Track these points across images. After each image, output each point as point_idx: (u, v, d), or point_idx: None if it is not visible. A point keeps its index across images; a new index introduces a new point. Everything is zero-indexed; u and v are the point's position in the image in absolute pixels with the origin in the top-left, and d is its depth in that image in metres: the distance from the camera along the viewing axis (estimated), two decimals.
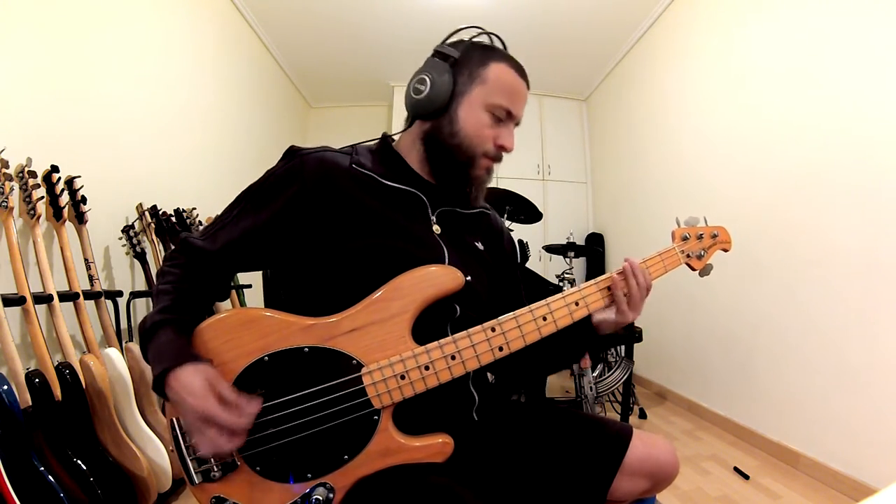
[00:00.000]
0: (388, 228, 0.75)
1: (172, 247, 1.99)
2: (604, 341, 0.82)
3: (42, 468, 1.17)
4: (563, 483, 0.74)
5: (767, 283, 2.04)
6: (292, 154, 0.77)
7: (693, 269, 0.88)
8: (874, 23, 1.56)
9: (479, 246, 0.87)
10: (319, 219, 0.73)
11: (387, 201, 0.78)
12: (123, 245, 1.84)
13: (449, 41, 0.83)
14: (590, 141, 4.21)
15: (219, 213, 0.79)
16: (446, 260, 0.77)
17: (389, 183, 0.79)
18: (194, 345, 0.66)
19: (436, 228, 0.81)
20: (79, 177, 1.55)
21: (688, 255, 0.87)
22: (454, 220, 0.85)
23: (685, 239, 0.88)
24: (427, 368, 0.67)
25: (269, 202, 0.74)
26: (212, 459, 0.65)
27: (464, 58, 0.79)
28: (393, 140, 0.87)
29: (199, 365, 0.62)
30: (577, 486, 0.74)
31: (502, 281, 0.91)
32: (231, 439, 0.60)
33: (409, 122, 0.84)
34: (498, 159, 0.81)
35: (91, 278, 1.57)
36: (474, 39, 0.84)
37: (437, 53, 0.80)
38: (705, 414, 2.46)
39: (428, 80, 0.78)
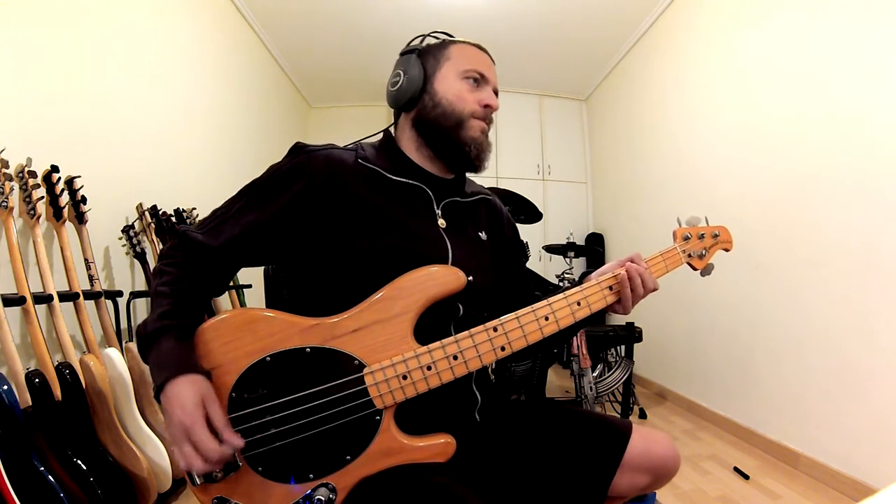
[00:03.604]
0: (393, 226, 0.75)
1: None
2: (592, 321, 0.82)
3: (42, 468, 1.16)
4: (564, 480, 0.74)
5: (767, 282, 2.04)
6: (298, 150, 0.77)
7: (694, 269, 0.88)
8: (874, 23, 1.57)
9: (483, 236, 0.88)
10: (326, 216, 0.73)
11: (392, 197, 0.78)
12: (123, 245, 1.84)
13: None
14: (590, 141, 4.21)
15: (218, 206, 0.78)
16: (450, 257, 0.77)
17: (395, 178, 0.79)
18: (196, 345, 0.65)
19: (441, 222, 0.81)
20: (79, 177, 1.55)
21: (689, 255, 0.87)
22: (458, 210, 0.85)
23: (686, 239, 0.88)
24: (429, 368, 0.67)
25: (274, 197, 0.74)
26: None
27: (426, 48, 0.85)
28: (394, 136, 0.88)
29: (198, 379, 0.61)
30: (579, 482, 0.74)
31: (505, 267, 0.92)
32: (204, 464, 0.59)
33: (396, 117, 0.87)
34: (487, 119, 0.83)
35: (91, 278, 1.57)
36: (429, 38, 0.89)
37: (402, 53, 0.87)
38: (705, 414, 2.46)
39: (401, 72, 0.84)
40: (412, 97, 0.82)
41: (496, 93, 0.85)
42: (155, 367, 0.63)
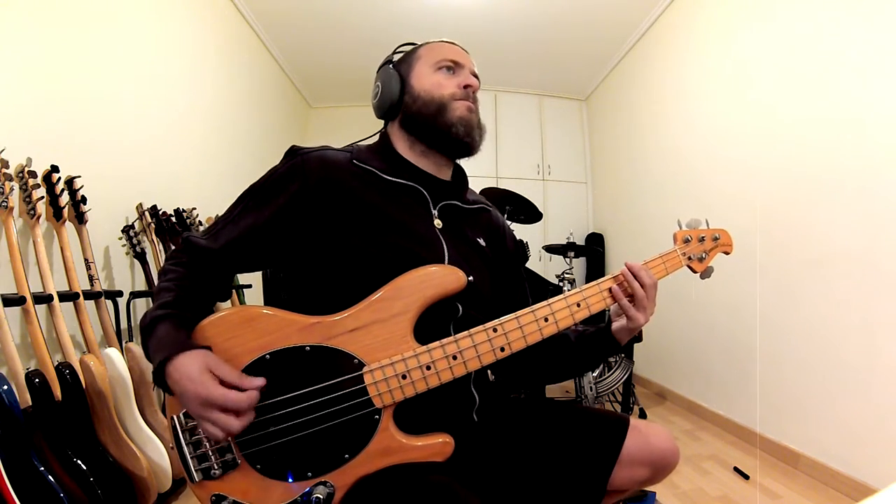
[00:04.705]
0: (389, 225, 0.76)
1: (172, 247, 1.99)
2: (623, 350, 0.84)
3: (42, 468, 1.17)
4: (563, 476, 0.75)
5: (767, 283, 2.04)
6: (293, 153, 0.78)
7: (694, 272, 0.88)
8: (873, 23, 1.57)
9: (482, 242, 0.88)
10: (321, 216, 0.74)
11: (388, 197, 0.78)
12: (123, 245, 1.84)
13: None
14: (590, 141, 4.21)
15: (220, 213, 0.79)
16: (446, 257, 0.78)
17: (390, 178, 0.80)
18: (194, 340, 0.66)
19: (437, 223, 0.81)
20: (79, 177, 1.55)
21: (689, 258, 0.87)
22: (456, 214, 0.85)
23: (686, 241, 0.88)
24: (428, 368, 0.67)
25: (271, 200, 0.75)
26: (213, 457, 0.65)
27: (400, 57, 0.89)
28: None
29: (197, 351, 0.62)
30: (578, 477, 0.74)
31: (505, 278, 0.91)
32: (238, 418, 0.59)
33: (385, 126, 0.90)
34: (469, 99, 0.84)
35: (91, 278, 1.57)
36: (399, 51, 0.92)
37: (378, 69, 0.90)
38: (705, 414, 2.46)
39: (379, 84, 0.88)
40: (393, 103, 0.84)
41: (476, 76, 0.86)
42: (153, 351, 0.64)
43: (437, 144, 0.83)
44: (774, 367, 2.00)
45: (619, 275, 0.79)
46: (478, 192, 0.99)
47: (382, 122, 0.91)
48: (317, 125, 4.41)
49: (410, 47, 0.89)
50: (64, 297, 1.42)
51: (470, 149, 0.84)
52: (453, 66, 0.84)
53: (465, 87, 0.83)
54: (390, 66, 0.87)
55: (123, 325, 1.79)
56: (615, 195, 3.73)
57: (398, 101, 0.84)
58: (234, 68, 2.87)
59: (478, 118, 0.85)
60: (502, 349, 0.70)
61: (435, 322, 0.72)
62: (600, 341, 0.83)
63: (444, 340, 0.68)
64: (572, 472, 0.74)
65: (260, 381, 0.62)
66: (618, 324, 0.81)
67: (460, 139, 0.81)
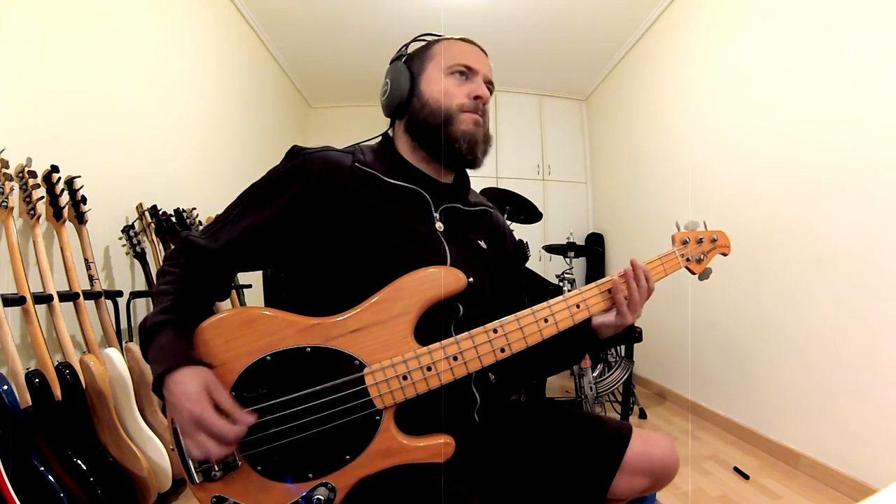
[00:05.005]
0: (390, 227, 0.75)
1: (172, 247, 1.99)
2: (604, 344, 0.84)
3: (42, 468, 1.17)
4: (563, 482, 0.75)
5: (767, 283, 2.04)
6: (295, 153, 0.77)
7: (693, 273, 0.89)
8: (873, 23, 1.57)
9: (482, 244, 0.88)
10: (322, 217, 0.73)
11: (390, 199, 0.78)
12: (123, 245, 1.84)
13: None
14: (590, 141, 4.21)
15: (220, 212, 0.79)
16: (448, 259, 0.77)
17: (392, 181, 0.80)
18: (195, 344, 0.66)
19: (438, 226, 0.81)
20: (79, 177, 1.55)
21: (687, 259, 0.87)
22: (457, 216, 0.85)
23: (685, 243, 0.88)
24: (429, 369, 0.67)
25: (271, 200, 0.74)
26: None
27: (413, 52, 0.86)
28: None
29: (199, 369, 0.62)
30: (578, 484, 0.74)
31: (505, 279, 0.91)
32: (221, 447, 0.59)
33: (391, 124, 0.88)
34: (478, 111, 0.81)
35: (91, 278, 1.57)
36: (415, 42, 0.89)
37: (390, 62, 0.87)
38: (705, 414, 2.46)
39: (388, 81, 0.85)
40: (401, 103, 0.82)
41: (491, 83, 0.84)
42: (154, 359, 0.63)
43: (439, 156, 0.82)
44: (774, 367, 2.00)
45: (622, 273, 0.79)
46: (478, 192, 0.99)
47: (386, 119, 0.90)
48: (317, 125, 4.41)
49: (431, 38, 0.86)
50: (64, 297, 1.42)
51: (472, 164, 0.83)
52: (466, 72, 0.81)
53: (476, 97, 0.80)
54: (402, 62, 0.84)
55: (123, 325, 1.78)
56: (615, 195, 3.73)
57: (406, 103, 0.82)
58: (234, 68, 2.87)
59: (484, 132, 0.82)
60: (502, 350, 0.70)
61: (436, 322, 0.72)
62: (579, 335, 0.82)
63: (445, 341, 0.68)
64: (573, 479, 0.74)
65: (252, 419, 0.62)
66: (601, 318, 0.80)
67: (462, 155, 0.80)
